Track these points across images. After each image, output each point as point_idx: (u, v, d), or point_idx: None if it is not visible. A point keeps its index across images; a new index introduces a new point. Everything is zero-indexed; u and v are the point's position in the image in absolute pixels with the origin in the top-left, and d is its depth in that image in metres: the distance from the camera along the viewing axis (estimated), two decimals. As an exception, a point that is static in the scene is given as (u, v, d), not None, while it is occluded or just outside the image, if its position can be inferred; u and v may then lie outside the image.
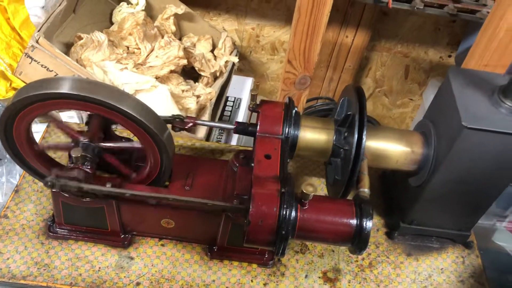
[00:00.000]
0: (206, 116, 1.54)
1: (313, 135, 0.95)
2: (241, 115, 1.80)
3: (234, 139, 1.65)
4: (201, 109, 1.61)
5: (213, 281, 0.95)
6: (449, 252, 1.07)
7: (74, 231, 0.97)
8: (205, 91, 1.68)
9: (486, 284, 1.03)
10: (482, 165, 0.90)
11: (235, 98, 1.86)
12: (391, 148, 0.96)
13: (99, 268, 0.95)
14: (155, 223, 0.97)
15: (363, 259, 1.04)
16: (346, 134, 0.93)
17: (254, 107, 0.95)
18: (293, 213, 0.79)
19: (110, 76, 1.47)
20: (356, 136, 0.87)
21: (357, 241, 0.81)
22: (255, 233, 0.80)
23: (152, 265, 0.96)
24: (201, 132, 1.52)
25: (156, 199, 0.89)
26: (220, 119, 1.70)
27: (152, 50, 1.66)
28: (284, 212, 0.79)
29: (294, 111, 0.94)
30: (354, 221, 0.81)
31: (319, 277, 0.99)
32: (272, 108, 0.95)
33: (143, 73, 1.57)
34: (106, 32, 1.60)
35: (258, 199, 0.79)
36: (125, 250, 0.98)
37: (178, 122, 0.97)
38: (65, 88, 0.77)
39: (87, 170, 0.85)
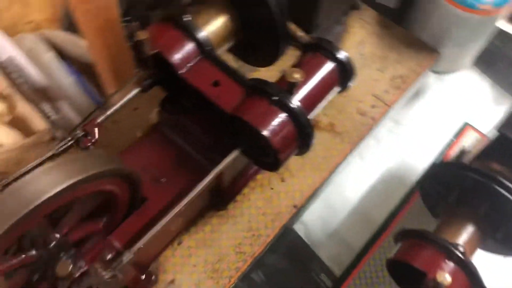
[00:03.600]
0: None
1: (217, 25, 0.80)
2: (34, 73, 1.43)
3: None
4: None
5: (249, 221, 0.88)
6: (352, 24, 1.12)
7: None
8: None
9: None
10: None
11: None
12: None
13: (160, 319, 0.80)
14: (166, 237, 0.81)
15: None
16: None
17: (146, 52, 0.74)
18: (295, 105, 0.71)
19: None
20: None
21: (345, 76, 0.79)
22: (284, 153, 0.71)
23: (194, 266, 0.84)
24: (38, 122, 1.19)
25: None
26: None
27: None
28: (290, 113, 0.70)
29: (186, 19, 0.76)
30: (333, 64, 0.77)
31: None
32: (164, 36, 0.75)
33: None
34: None
35: (262, 124, 0.68)
36: (158, 282, 0.82)
37: (83, 138, 0.73)
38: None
39: (86, 268, 0.63)
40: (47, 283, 0.67)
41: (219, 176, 0.80)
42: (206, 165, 0.80)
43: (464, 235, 0.69)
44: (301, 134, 0.71)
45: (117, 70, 1.22)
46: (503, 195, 0.65)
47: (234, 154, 0.75)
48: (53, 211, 0.63)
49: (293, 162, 0.94)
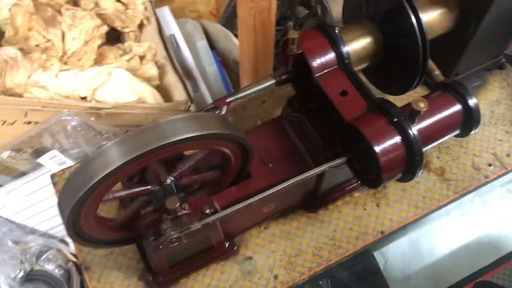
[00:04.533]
0: (172, 75, 1.36)
1: (361, 45, 0.86)
2: (187, 53, 1.62)
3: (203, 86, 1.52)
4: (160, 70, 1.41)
5: (334, 230, 0.92)
6: (492, 82, 1.11)
7: (180, 269, 0.87)
8: (143, 48, 1.46)
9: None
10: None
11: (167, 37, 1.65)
12: (431, 18, 0.91)
13: (230, 286, 0.87)
14: (256, 217, 0.89)
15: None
16: (393, 28, 0.86)
17: (292, 50, 0.83)
18: (412, 132, 0.75)
19: (53, 89, 1.21)
20: (415, 23, 0.80)
21: (468, 122, 0.81)
22: (388, 173, 0.75)
23: (272, 252, 0.90)
24: (179, 93, 1.36)
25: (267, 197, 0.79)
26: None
27: (63, 34, 1.37)
28: (405, 138, 0.74)
29: (335, 31, 0.84)
30: (460, 107, 0.79)
31: (415, 169, 1.00)
32: (311, 40, 0.84)
33: (74, 65, 1.32)
34: (5, 42, 1.28)
35: (376, 140, 0.73)
36: (238, 254, 0.90)
37: (212, 111, 0.84)
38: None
39: (188, 211, 0.73)
40: (153, 215, 0.78)
41: (318, 178, 0.86)
42: (311, 165, 0.86)
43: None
44: (410, 161, 0.75)
45: (256, 70, 1.34)
46: None
47: (340, 160, 0.81)
48: (176, 154, 0.74)
49: (393, 192, 0.97)
